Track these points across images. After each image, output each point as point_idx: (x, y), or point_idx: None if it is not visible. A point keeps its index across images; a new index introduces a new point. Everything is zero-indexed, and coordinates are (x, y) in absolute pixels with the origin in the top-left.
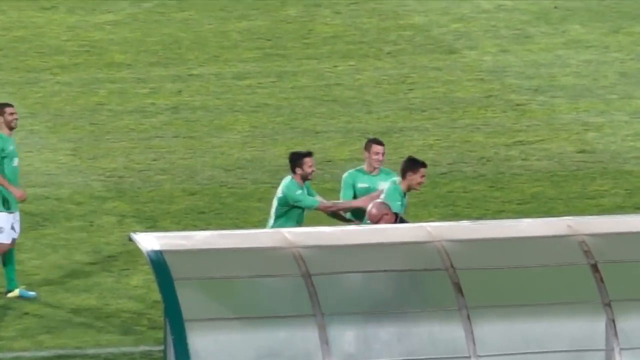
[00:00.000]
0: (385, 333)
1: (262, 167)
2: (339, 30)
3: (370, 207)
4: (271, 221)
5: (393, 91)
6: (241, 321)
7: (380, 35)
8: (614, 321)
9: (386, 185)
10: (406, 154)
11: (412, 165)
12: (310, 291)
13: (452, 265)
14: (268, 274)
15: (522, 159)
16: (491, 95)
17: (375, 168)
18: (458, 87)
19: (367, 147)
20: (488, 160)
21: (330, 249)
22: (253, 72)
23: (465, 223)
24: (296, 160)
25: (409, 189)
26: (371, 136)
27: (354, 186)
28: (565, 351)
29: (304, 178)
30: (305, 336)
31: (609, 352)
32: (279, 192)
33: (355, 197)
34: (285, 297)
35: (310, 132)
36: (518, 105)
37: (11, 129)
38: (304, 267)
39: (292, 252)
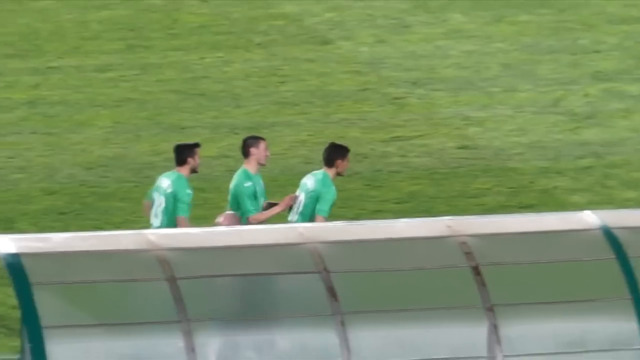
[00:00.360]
0: (255, 339)
1: (124, 165)
2: (206, 20)
3: (222, 220)
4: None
5: (263, 84)
6: (103, 328)
7: (250, 25)
8: (496, 326)
9: (310, 180)
10: (277, 150)
11: (340, 151)
12: (175, 296)
13: (325, 269)
14: (131, 278)
15: (400, 156)
16: (367, 89)
17: (262, 166)
18: (332, 80)
19: (256, 145)
20: (364, 157)
21: (196, 251)
22: (115, 64)
23: (339, 224)
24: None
25: (338, 175)
26: (239, 132)
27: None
28: (445, 358)
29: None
30: (170, 343)
31: (491, 359)
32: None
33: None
34: (149, 302)
35: (176, 127)
36: (396, 99)
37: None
38: (169, 270)
39: (156, 255)
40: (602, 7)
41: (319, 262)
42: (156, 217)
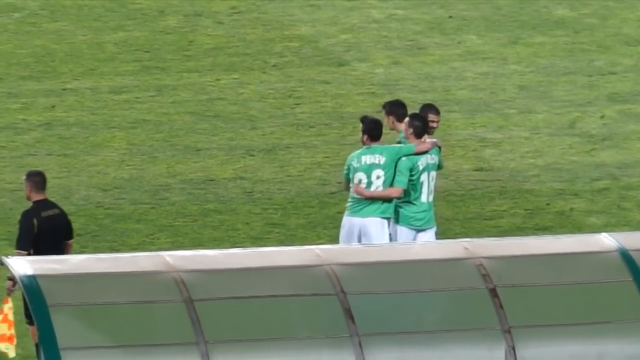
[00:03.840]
0: None
1: (140, 186)
2: (221, 41)
3: None
4: None
5: (279, 106)
6: (120, 349)
7: (265, 46)
8: (514, 349)
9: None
10: (293, 172)
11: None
12: (192, 317)
13: (342, 290)
14: (148, 299)
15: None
16: (382, 110)
17: None
18: (348, 102)
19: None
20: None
21: (213, 273)
22: (131, 86)
23: (356, 246)
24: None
25: None
26: (255, 153)
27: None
28: None
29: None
30: None
31: None
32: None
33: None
34: (166, 324)
35: (191, 149)
36: None
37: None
38: (186, 292)
39: (174, 277)
40: (617, 29)
41: (336, 284)
42: None
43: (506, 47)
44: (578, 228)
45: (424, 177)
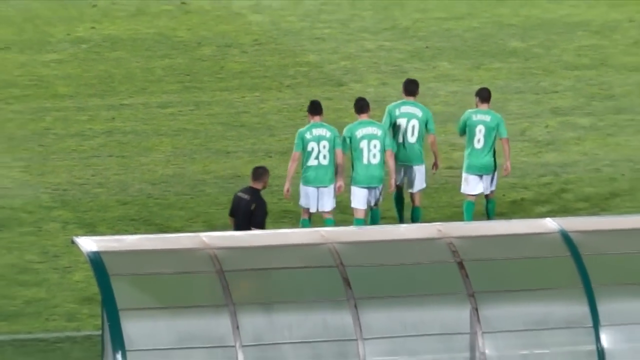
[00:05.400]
0: (286, 320)
1: (182, 181)
2: (246, 66)
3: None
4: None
5: (292, 117)
6: (166, 310)
7: (281, 70)
8: (477, 309)
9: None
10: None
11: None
12: (223, 284)
13: (341, 263)
14: (188, 270)
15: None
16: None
17: None
18: (346, 114)
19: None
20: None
21: (240, 249)
22: (174, 102)
23: (352, 227)
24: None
25: None
26: (273, 155)
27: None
28: (437, 334)
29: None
30: (219, 323)
31: (472, 335)
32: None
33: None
34: (202, 290)
35: (222, 152)
36: None
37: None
38: (218, 265)
39: (208, 253)
40: (559, 57)
41: (336, 258)
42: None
43: (471, 71)
44: (528, 214)
45: (363, 144)
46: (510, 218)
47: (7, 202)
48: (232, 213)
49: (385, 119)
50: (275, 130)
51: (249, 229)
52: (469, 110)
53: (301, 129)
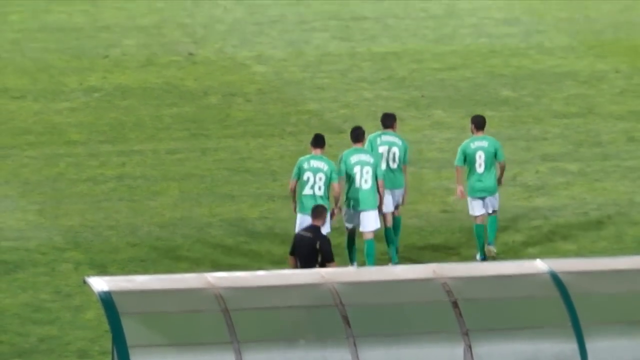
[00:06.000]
0: (287, 356)
1: (189, 224)
2: (250, 114)
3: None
4: None
5: (294, 163)
6: (173, 347)
7: (283, 118)
8: (470, 347)
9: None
10: None
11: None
12: (228, 323)
13: (341, 302)
14: (194, 309)
15: None
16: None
17: None
18: None
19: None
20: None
21: (244, 289)
22: (182, 148)
23: (351, 268)
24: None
25: None
26: (276, 199)
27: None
28: None
29: None
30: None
31: None
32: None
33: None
34: (208, 328)
35: (227, 196)
36: None
37: None
38: (223, 304)
39: (214, 292)
40: (548, 105)
41: (336, 298)
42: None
43: (464, 119)
44: (518, 256)
45: (356, 170)
46: (502, 259)
47: (22, 243)
48: (293, 252)
49: (367, 148)
50: (278, 175)
51: (313, 265)
52: (466, 141)
53: (302, 158)
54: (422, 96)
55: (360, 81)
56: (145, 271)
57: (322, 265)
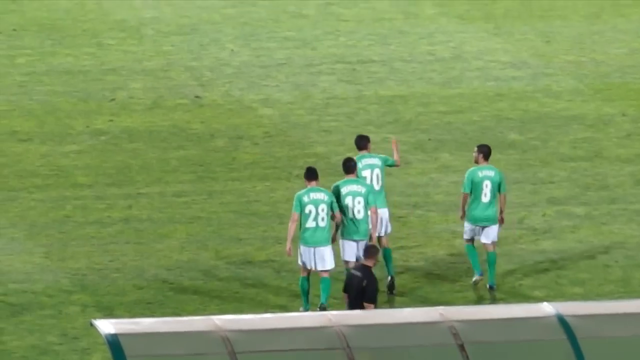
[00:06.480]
0: None
1: (196, 267)
2: (257, 157)
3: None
4: None
5: None
6: None
7: (290, 161)
8: None
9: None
10: None
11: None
12: None
13: (348, 345)
14: (201, 352)
15: (404, 261)
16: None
17: None
18: None
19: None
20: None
21: (251, 332)
22: (189, 191)
23: (357, 311)
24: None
25: None
26: (282, 242)
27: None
28: None
29: None
30: None
31: None
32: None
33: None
34: None
35: (234, 239)
36: (399, 217)
37: None
38: (230, 346)
39: (220, 335)
40: (555, 148)
41: (343, 341)
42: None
43: (472, 162)
44: (525, 299)
45: (348, 200)
46: (510, 302)
47: (28, 286)
48: (346, 290)
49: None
50: (285, 218)
51: (361, 304)
52: (472, 168)
53: (299, 192)
54: (429, 139)
55: (367, 124)
56: (152, 314)
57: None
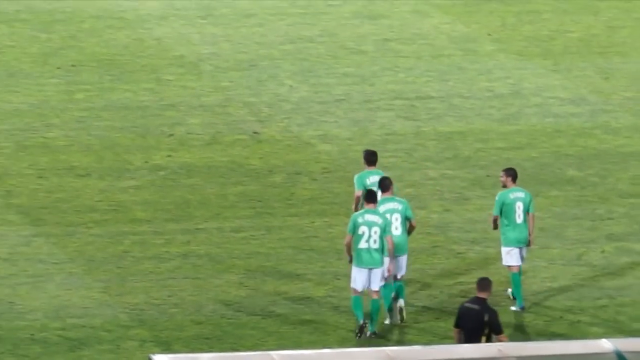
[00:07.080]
0: None
1: (254, 302)
2: (315, 193)
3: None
4: None
5: None
6: None
7: (349, 197)
8: None
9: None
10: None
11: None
12: None
13: None
14: None
15: (462, 297)
16: (437, 246)
17: None
18: (411, 239)
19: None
20: (434, 298)
21: None
22: (247, 226)
23: (417, 347)
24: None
25: None
26: (340, 277)
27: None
28: None
29: None
30: None
31: None
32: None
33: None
34: None
35: (293, 274)
36: (459, 253)
37: None
38: None
39: None
40: (614, 185)
41: None
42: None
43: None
44: (584, 335)
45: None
46: (568, 338)
47: (87, 321)
48: (458, 325)
49: (358, 186)
50: (343, 254)
51: (479, 338)
52: (503, 191)
53: (355, 213)
54: (487, 175)
55: (425, 160)
56: (210, 349)
57: (489, 338)
